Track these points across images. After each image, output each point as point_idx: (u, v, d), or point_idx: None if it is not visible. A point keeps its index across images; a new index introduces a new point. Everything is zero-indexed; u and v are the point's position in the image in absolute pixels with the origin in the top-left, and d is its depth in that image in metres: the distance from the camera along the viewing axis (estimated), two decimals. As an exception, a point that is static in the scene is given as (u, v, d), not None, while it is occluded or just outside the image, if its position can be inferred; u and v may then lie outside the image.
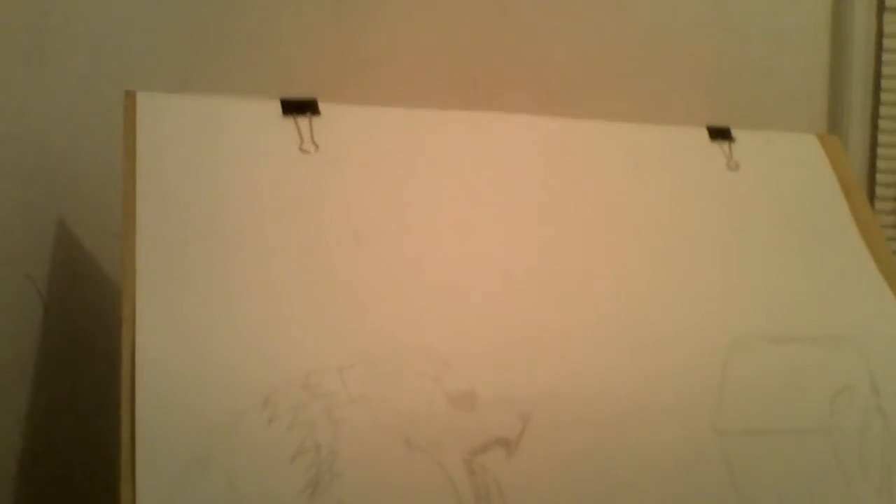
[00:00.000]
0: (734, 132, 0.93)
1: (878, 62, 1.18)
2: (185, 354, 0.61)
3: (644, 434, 0.72)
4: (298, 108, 0.75)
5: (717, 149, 0.92)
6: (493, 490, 0.66)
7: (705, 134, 0.92)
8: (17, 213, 0.79)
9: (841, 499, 0.76)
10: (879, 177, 1.18)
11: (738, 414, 0.76)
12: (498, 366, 0.70)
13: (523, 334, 0.72)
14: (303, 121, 0.75)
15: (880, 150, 1.18)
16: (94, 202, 0.86)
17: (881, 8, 1.17)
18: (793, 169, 0.95)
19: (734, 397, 0.76)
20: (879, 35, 1.17)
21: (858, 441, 0.78)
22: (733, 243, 0.86)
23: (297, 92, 0.77)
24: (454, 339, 0.70)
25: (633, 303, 0.78)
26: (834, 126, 1.18)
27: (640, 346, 0.75)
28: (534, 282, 0.75)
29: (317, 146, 0.75)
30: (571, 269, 0.78)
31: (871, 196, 1.18)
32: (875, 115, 1.18)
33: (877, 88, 1.18)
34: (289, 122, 0.75)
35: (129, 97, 0.71)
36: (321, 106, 0.76)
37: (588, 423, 0.70)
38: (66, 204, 0.86)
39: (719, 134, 0.93)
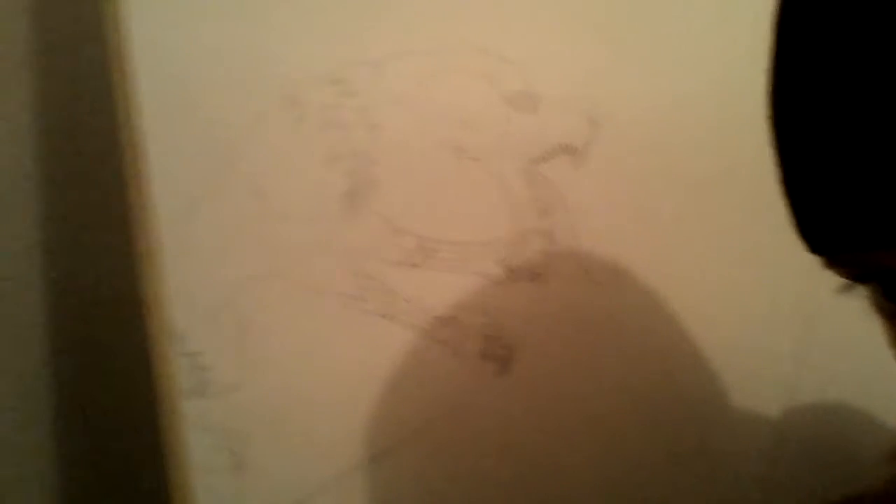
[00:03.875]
0: None
1: None
2: (193, 48, 0.51)
3: (728, 136, 0.62)
4: None
5: None
6: (557, 203, 0.58)
7: None
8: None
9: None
10: None
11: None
12: (563, 63, 0.59)
13: (591, 27, 0.60)
14: None
15: None
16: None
17: None
18: None
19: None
20: None
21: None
22: None
23: None
24: (511, 33, 0.58)
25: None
26: None
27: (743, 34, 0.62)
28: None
29: None
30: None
31: None
32: None
33: None
34: None
35: None
36: None
37: (670, 129, 0.60)
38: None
39: None
